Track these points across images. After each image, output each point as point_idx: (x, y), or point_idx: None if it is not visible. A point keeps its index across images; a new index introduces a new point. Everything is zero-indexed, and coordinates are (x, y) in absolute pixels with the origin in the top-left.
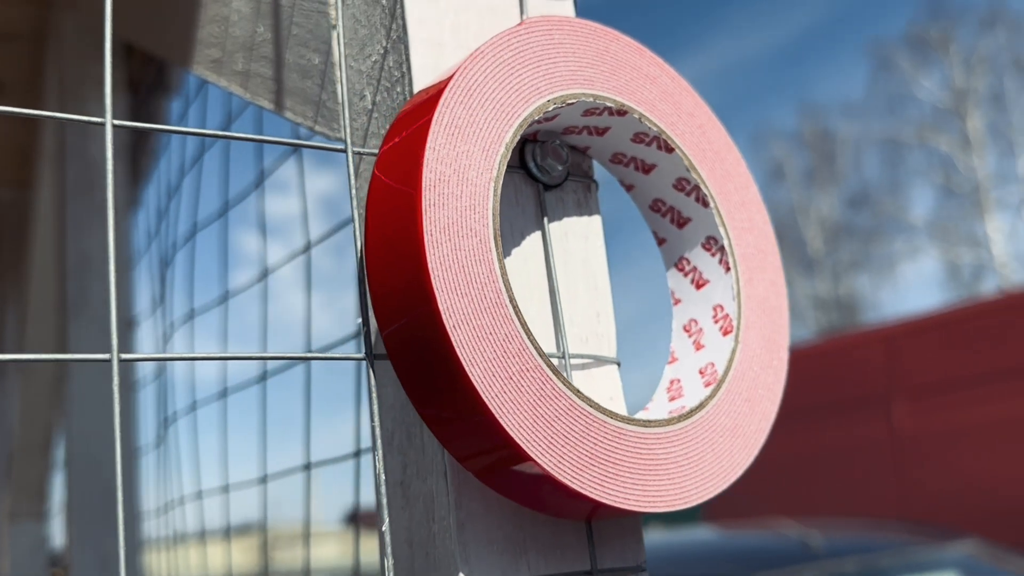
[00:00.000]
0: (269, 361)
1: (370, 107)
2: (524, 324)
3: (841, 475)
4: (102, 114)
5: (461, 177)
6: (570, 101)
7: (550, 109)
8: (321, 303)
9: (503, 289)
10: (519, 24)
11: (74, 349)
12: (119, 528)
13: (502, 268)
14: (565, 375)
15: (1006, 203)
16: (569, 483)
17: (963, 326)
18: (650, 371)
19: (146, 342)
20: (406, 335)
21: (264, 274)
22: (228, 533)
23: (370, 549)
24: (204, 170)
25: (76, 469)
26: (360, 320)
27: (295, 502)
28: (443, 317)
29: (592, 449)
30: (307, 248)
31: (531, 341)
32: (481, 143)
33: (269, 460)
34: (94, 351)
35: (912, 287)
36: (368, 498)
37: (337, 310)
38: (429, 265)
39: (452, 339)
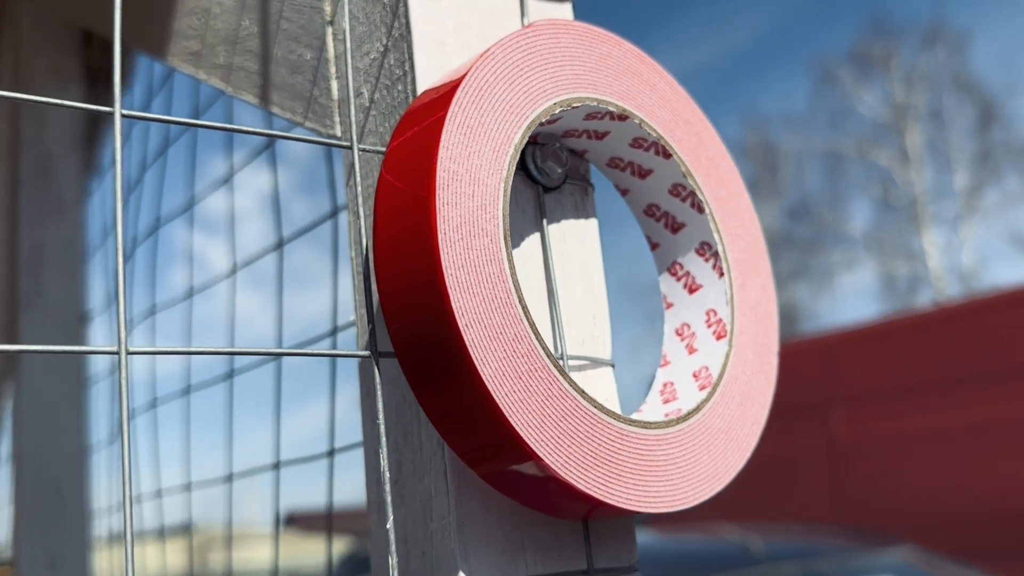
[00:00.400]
0: (234, 360)
1: (367, 104)
2: (532, 324)
3: (780, 481)
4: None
5: (473, 177)
6: (575, 104)
7: (556, 112)
8: (261, 303)
9: (513, 289)
10: (528, 26)
11: (26, 342)
12: (126, 523)
13: (512, 268)
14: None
15: (942, 218)
16: (575, 483)
17: (899, 337)
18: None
19: (100, 338)
20: (415, 332)
21: (232, 270)
22: (165, 533)
23: (311, 551)
24: (168, 164)
25: (23, 465)
26: (350, 318)
27: (227, 504)
28: (456, 315)
29: (596, 449)
30: (280, 245)
31: (539, 341)
32: (492, 143)
33: (202, 463)
34: (46, 345)
35: (849, 298)
36: (302, 500)
37: (276, 310)
38: (443, 264)
39: (465, 338)
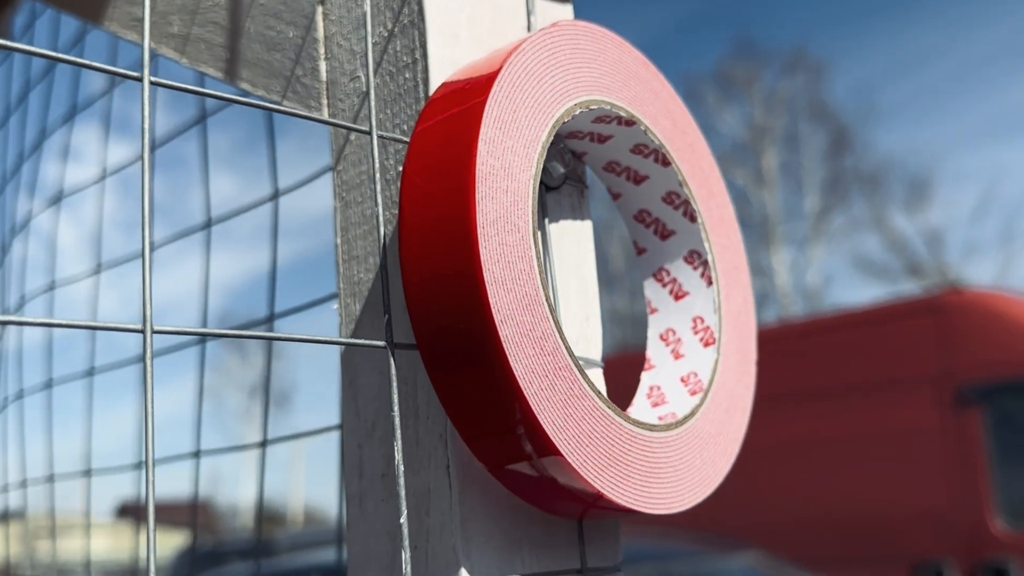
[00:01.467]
0: (155, 343)
1: (364, 89)
2: (557, 323)
3: None
4: None
5: (506, 172)
6: (592, 106)
7: (576, 112)
8: (108, 280)
9: (540, 287)
10: (552, 25)
11: None
12: (148, 515)
13: (540, 266)
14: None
15: (791, 238)
16: (592, 482)
17: None
18: None
19: None
20: (443, 322)
21: (146, 248)
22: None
23: (143, 543)
24: (75, 133)
25: None
26: (332, 305)
27: (65, 493)
28: (492, 311)
29: (609, 450)
30: (208, 225)
31: (563, 341)
32: (523, 140)
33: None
34: None
35: None
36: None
37: (123, 288)
38: (481, 258)
39: (500, 334)
